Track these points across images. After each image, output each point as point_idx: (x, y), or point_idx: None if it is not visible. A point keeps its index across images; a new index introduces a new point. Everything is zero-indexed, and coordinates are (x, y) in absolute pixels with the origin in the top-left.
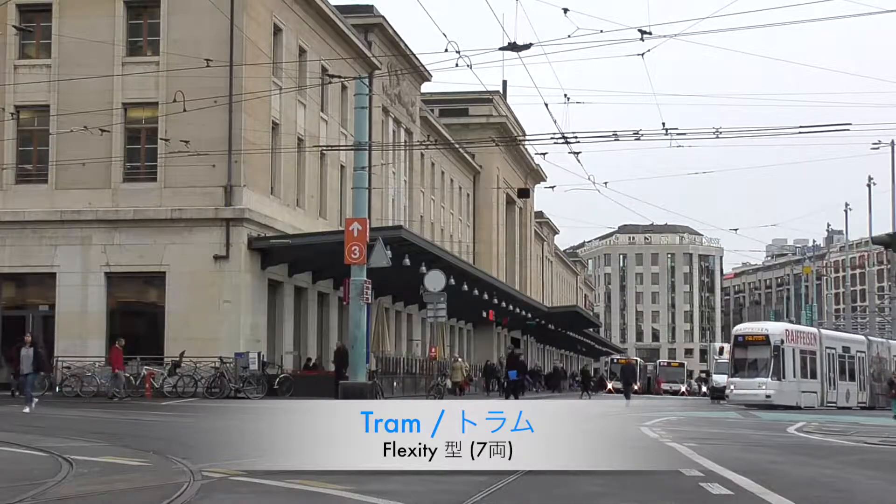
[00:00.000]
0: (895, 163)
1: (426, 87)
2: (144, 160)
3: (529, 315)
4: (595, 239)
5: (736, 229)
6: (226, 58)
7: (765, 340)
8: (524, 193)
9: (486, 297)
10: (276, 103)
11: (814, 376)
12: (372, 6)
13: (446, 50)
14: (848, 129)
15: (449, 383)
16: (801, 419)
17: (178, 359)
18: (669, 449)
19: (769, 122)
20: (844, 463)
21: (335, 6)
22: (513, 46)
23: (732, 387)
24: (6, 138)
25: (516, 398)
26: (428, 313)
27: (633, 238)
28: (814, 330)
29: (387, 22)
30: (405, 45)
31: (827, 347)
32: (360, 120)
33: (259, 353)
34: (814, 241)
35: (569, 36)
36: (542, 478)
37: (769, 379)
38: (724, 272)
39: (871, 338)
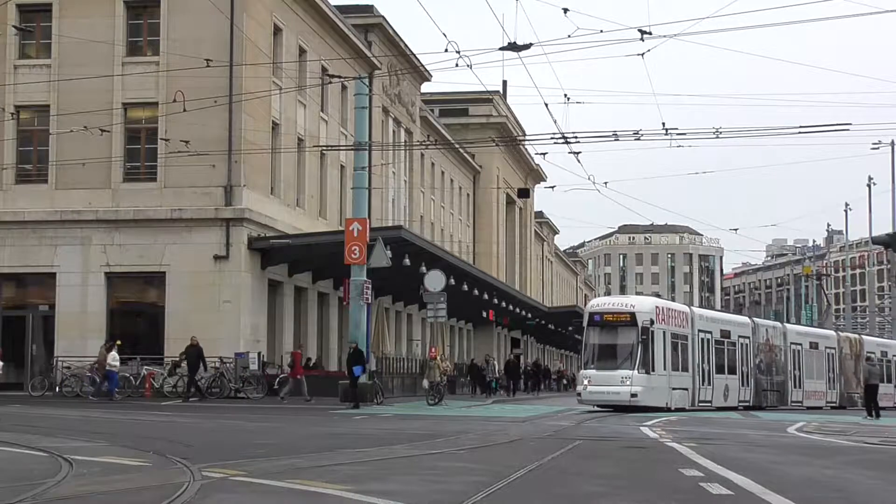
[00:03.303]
0: (895, 163)
1: (426, 87)
2: (144, 160)
3: (529, 315)
4: (595, 239)
5: (736, 229)
6: (226, 58)
7: (630, 320)
8: (524, 193)
9: (486, 297)
10: (276, 103)
11: (685, 368)
12: (372, 6)
13: (446, 50)
14: (848, 129)
15: (426, 384)
16: (802, 419)
17: (178, 359)
18: (669, 449)
19: (769, 122)
20: (844, 463)
21: (335, 6)
22: (513, 46)
23: (587, 381)
24: (6, 138)
25: (356, 399)
26: (428, 313)
27: (633, 238)
28: (685, 308)
29: (387, 22)
30: (405, 45)
31: (700, 331)
32: (360, 120)
33: (259, 353)
34: (814, 241)
35: (569, 36)
36: (542, 477)
37: (635, 372)
38: (724, 272)
39: (756, 320)
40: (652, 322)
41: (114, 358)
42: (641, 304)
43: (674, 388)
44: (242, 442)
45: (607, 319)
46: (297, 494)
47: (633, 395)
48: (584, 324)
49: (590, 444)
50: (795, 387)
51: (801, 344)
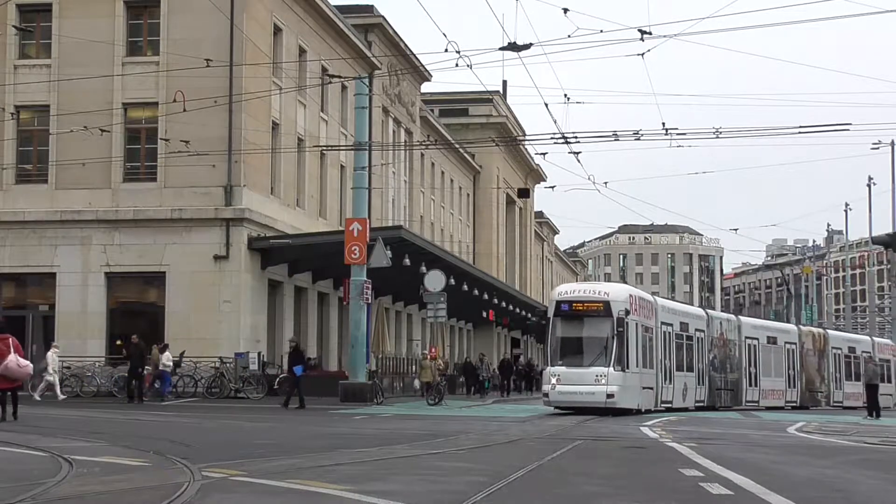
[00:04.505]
0: (895, 163)
1: (426, 87)
2: (144, 160)
3: (529, 315)
4: (595, 239)
5: (736, 229)
6: (226, 58)
7: (603, 310)
8: (524, 193)
9: (486, 297)
10: (276, 103)
11: (651, 365)
12: (372, 6)
13: (446, 50)
14: (848, 129)
15: (417, 384)
16: (802, 419)
17: (178, 359)
18: (669, 449)
19: (769, 122)
20: (845, 463)
21: (335, 6)
22: (513, 46)
23: (555, 380)
24: (6, 138)
25: (288, 399)
26: (428, 313)
27: (633, 238)
28: (651, 298)
29: (387, 22)
30: (405, 45)
31: (663, 323)
32: (360, 120)
33: (259, 353)
34: (814, 241)
35: (569, 36)
36: (543, 477)
37: (611, 369)
38: (724, 272)
39: (710, 312)
40: (627, 312)
41: (168, 358)
42: (616, 291)
43: (644, 388)
44: (242, 442)
45: (577, 309)
46: (297, 494)
47: (610, 396)
48: (550, 313)
49: (590, 444)
50: (751, 385)
51: (757, 338)
